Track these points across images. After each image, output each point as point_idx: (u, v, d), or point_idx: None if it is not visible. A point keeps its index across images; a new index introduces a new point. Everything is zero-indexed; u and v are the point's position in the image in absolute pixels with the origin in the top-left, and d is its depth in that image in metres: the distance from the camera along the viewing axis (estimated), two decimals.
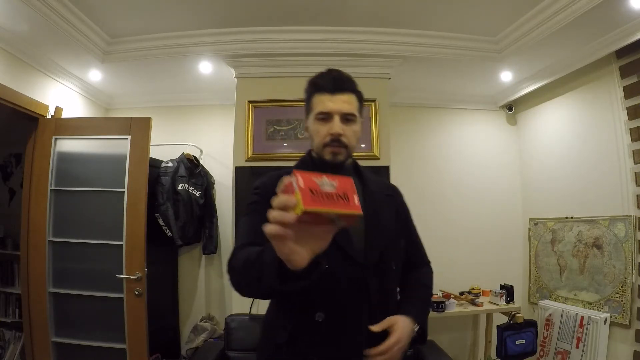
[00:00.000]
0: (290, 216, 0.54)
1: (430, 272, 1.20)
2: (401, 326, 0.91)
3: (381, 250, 0.97)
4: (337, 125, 0.96)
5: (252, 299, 2.40)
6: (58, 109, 2.60)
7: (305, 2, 2.24)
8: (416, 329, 0.98)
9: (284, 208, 0.54)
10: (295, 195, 0.54)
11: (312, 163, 1.05)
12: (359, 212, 0.59)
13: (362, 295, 0.93)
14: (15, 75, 2.29)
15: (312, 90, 1.02)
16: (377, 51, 2.57)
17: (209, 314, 3.02)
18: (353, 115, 0.99)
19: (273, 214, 0.54)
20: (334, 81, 0.99)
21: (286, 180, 0.57)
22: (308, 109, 1.04)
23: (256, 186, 1.02)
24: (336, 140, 0.96)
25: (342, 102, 0.98)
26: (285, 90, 2.61)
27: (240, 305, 2.41)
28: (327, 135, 0.97)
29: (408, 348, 0.94)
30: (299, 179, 0.55)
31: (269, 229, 0.54)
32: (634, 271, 2.17)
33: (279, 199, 0.55)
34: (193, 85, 3.05)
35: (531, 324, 2.56)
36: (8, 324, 2.78)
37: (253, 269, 0.73)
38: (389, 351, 0.86)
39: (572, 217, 2.62)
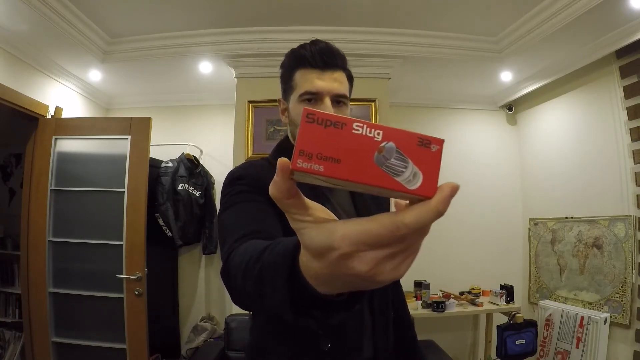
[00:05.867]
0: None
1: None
2: None
3: None
4: (328, 109, 0.81)
5: None
6: (58, 109, 2.60)
7: (305, 2, 2.24)
8: None
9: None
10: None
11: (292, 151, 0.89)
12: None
13: (366, 316, 0.82)
14: (15, 75, 2.29)
15: (294, 64, 0.84)
16: (377, 51, 2.57)
17: (209, 314, 3.02)
18: (345, 97, 0.84)
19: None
20: (323, 54, 0.82)
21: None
22: (289, 88, 0.86)
23: (239, 176, 0.81)
24: None
25: (334, 81, 0.82)
26: None
27: None
28: None
29: None
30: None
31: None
32: (634, 271, 2.17)
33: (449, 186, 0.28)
34: (193, 85, 3.05)
35: (531, 324, 2.56)
36: (8, 324, 2.78)
37: (254, 270, 0.45)
38: None
39: (572, 217, 2.62)
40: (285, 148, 0.89)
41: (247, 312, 2.33)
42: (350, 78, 0.89)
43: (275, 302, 0.38)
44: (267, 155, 0.95)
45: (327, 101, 0.82)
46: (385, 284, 0.30)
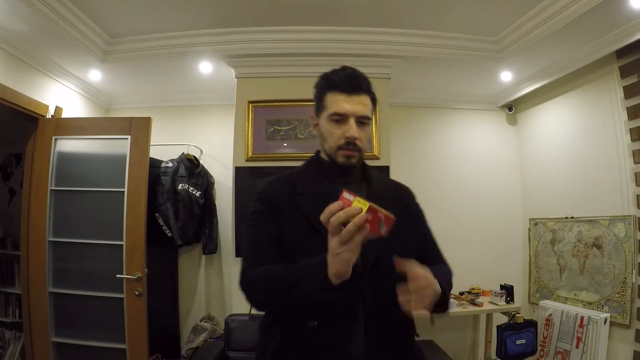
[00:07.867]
0: (362, 216, 0.65)
1: (449, 268, 1.06)
2: (424, 269, 0.78)
3: (377, 255, 0.89)
4: (353, 129, 0.93)
5: None
6: (58, 109, 2.60)
7: (305, 2, 2.24)
8: (439, 292, 0.81)
9: (350, 215, 0.67)
10: (354, 202, 0.67)
11: (319, 165, 1.02)
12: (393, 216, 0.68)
13: (357, 303, 0.89)
14: (15, 75, 2.29)
15: (325, 86, 0.98)
16: (377, 51, 2.56)
17: (209, 314, 3.02)
18: (368, 118, 0.96)
19: (340, 223, 0.68)
20: (350, 80, 0.95)
21: (335, 205, 0.69)
22: (320, 106, 0.99)
23: (260, 191, 0.99)
24: (351, 144, 0.94)
25: (358, 104, 0.94)
26: (285, 90, 2.61)
27: (240, 305, 2.41)
28: (342, 138, 0.94)
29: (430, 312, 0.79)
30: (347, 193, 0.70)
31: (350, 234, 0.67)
32: (634, 271, 2.17)
33: (341, 213, 0.68)
34: (193, 85, 3.05)
35: (531, 324, 2.56)
36: (8, 324, 2.78)
37: (283, 280, 0.83)
38: (420, 282, 0.75)
39: (572, 217, 2.62)
40: (313, 162, 1.05)
41: (247, 313, 2.33)
42: (374, 100, 1.00)
43: (313, 286, 0.77)
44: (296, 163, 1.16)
45: (352, 122, 0.94)
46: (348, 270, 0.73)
